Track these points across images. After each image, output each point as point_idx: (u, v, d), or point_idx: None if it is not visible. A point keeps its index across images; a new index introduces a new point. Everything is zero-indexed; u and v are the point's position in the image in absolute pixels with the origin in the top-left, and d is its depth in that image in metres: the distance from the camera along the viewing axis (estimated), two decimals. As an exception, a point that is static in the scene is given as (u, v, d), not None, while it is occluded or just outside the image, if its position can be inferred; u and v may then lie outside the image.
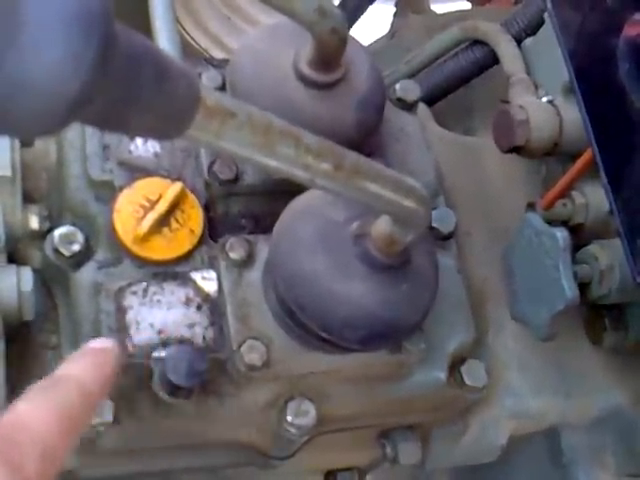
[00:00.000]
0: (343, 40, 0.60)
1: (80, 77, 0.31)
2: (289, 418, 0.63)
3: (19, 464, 0.39)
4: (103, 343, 0.51)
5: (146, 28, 0.81)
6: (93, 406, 0.47)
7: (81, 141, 0.66)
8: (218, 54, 1.46)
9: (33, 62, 0.30)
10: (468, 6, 1.31)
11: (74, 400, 0.44)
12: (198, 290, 0.63)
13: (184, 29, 1.45)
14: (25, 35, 0.30)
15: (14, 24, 0.30)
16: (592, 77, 0.66)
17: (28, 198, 0.66)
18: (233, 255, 0.63)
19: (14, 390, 0.56)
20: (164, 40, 0.80)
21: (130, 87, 0.35)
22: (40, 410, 0.42)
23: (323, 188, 0.47)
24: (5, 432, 0.40)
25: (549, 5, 0.69)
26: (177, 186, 0.64)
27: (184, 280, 0.63)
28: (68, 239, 0.62)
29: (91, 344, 0.51)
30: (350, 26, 1.12)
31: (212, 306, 0.62)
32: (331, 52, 0.61)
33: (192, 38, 1.47)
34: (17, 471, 0.39)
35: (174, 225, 0.63)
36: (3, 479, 0.38)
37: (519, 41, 0.84)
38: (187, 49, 1.39)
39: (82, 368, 0.47)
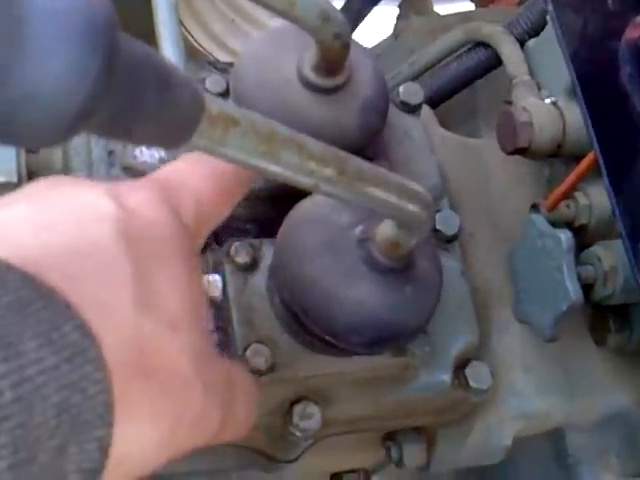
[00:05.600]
0: (346, 45, 0.60)
1: (85, 88, 0.32)
2: (294, 421, 0.63)
3: (177, 207, 0.42)
4: None
5: (150, 32, 0.82)
6: (244, 184, 0.50)
7: (86, 147, 0.66)
8: (223, 56, 1.46)
9: (39, 74, 0.31)
10: (471, 7, 1.31)
11: (228, 169, 0.47)
12: (203, 294, 0.63)
13: (188, 32, 1.45)
14: (30, 47, 0.31)
15: (19, 36, 0.30)
16: (594, 80, 0.66)
17: (34, 204, 0.66)
18: (238, 260, 0.64)
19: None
20: (168, 45, 0.81)
21: (134, 97, 0.35)
22: (194, 169, 0.46)
23: (327, 194, 0.47)
24: (164, 184, 0.44)
25: (550, 8, 0.69)
26: (182, 191, 0.64)
27: (189, 285, 0.63)
28: (74, 244, 0.62)
29: None
30: (354, 28, 1.13)
31: (217, 310, 0.63)
32: (334, 57, 0.61)
33: (196, 41, 1.47)
34: (175, 212, 0.42)
35: (179, 230, 0.64)
36: (165, 215, 0.41)
37: (522, 42, 0.84)
38: (191, 52, 1.39)
39: None
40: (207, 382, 0.40)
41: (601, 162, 0.64)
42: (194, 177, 0.45)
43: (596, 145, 0.64)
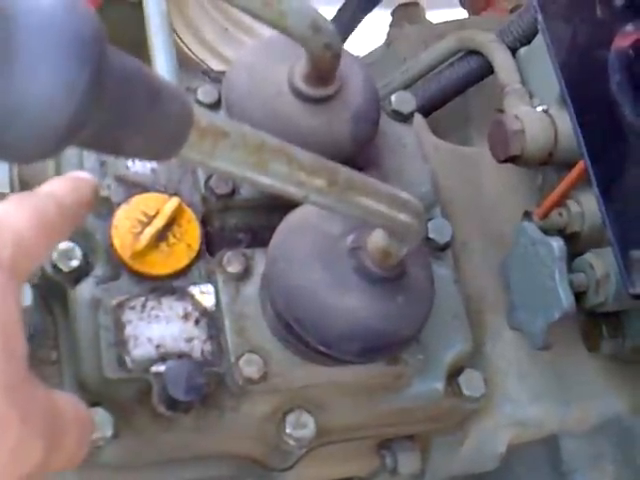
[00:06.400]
0: (337, 55, 0.60)
1: (74, 103, 0.32)
2: (288, 430, 0.63)
3: None
4: (81, 174, 0.52)
5: (142, 40, 0.82)
6: (70, 221, 0.48)
7: (79, 158, 0.66)
8: (216, 65, 1.46)
9: (26, 88, 0.31)
10: (464, 15, 1.32)
11: (51, 209, 0.45)
12: (196, 304, 0.63)
13: (182, 41, 1.45)
14: (18, 62, 0.31)
15: (7, 51, 0.31)
16: (583, 89, 0.67)
17: (27, 214, 0.66)
18: (230, 269, 0.64)
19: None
20: (160, 53, 0.81)
21: (123, 111, 0.35)
22: (17, 209, 0.43)
23: (317, 204, 0.47)
24: None
25: (540, 18, 0.69)
26: (174, 201, 0.64)
27: (182, 294, 0.63)
28: (67, 255, 0.62)
29: (70, 174, 0.51)
30: (345, 38, 1.13)
31: (210, 320, 0.63)
32: (325, 67, 0.61)
33: (189, 49, 1.47)
34: None
35: (171, 240, 0.64)
36: None
37: (514, 50, 0.84)
38: (184, 60, 1.39)
39: (61, 187, 0.48)
40: (25, 413, 0.39)
41: (590, 171, 0.64)
42: (16, 215, 0.43)
43: (585, 154, 0.64)
